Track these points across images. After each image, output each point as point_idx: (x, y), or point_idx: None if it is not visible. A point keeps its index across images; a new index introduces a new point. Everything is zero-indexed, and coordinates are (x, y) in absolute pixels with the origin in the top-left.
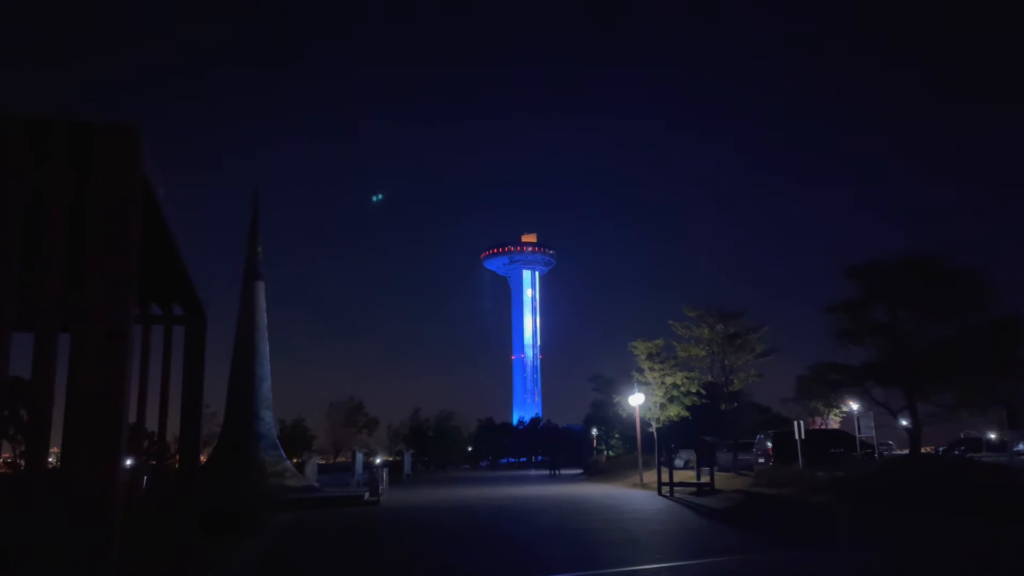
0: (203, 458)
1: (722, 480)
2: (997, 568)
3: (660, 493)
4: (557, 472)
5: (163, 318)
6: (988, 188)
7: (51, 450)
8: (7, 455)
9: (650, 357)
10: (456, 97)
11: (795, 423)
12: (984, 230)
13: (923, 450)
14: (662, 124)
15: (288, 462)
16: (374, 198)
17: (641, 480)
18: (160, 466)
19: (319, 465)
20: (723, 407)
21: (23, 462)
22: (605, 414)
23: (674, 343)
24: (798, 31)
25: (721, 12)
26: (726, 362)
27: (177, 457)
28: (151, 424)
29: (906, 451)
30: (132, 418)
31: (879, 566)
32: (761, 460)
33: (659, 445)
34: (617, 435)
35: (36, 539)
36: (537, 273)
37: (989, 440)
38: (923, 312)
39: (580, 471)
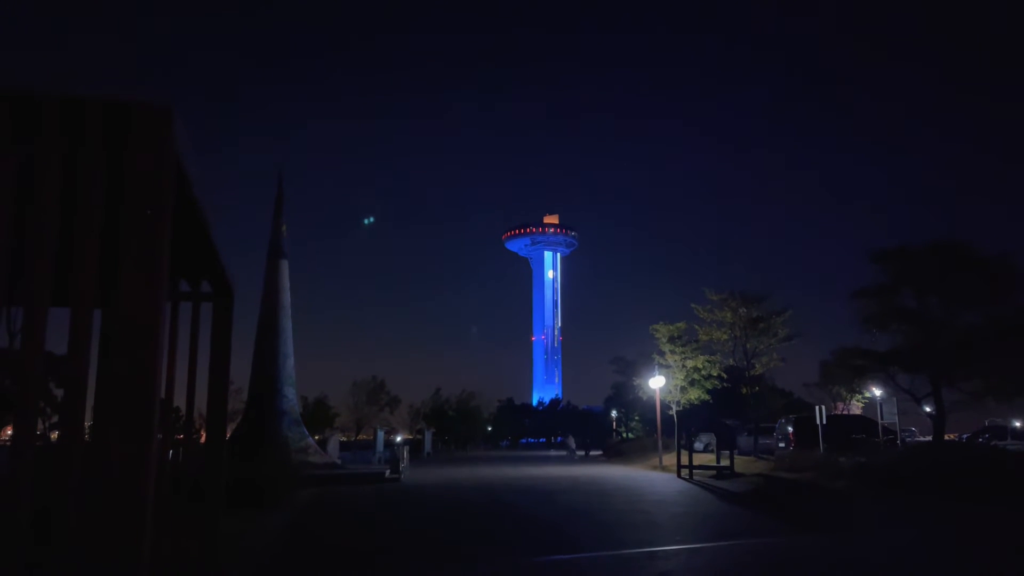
0: (227, 434)
1: (742, 464)
2: (1010, 557)
3: (679, 476)
4: (588, 453)
5: (192, 295)
6: (1017, 173)
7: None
8: (38, 428)
9: (671, 340)
10: (480, 87)
11: (817, 408)
12: (1014, 216)
13: (947, 437)
14: (684, 110)
15: (311, 439)
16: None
17: (660, 462)
18: (187, 441)
19: (341, 442)
20: (744, 391)
21: (53, 435)
22: (625, 396)
23: (696, 326)
24: (817, 23)
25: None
26: (748, 346)
27: (203, 433)
28: (178, 399)
29: (929, 438)
30: (161, 394)
31: (897, 554)
32: (782, 444)
33: (679, 428)
34: (637, 417)
35: (72, 508)
36: (558, 254)
37: (1014, 428)
38: (952, 298)
39: (600, 452)
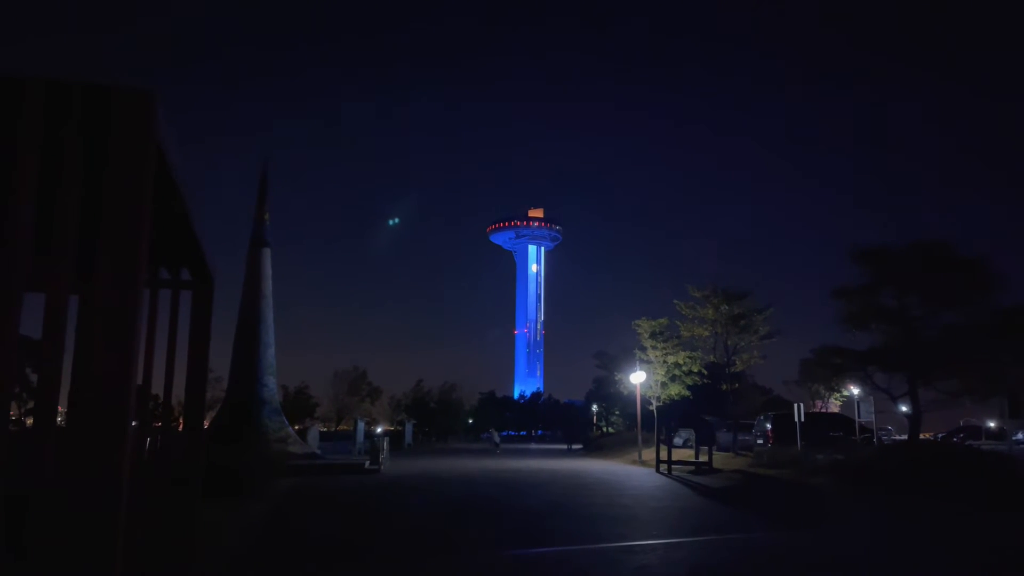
0: (206, 423)
1: (721, 460)
2: (981, 553)
3: (658, 471)
4: (572, 447)
5: (171, 282)
6: (1000, 176)
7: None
8: (13, 413)
9: (653, 336)
10: (470, 82)
11: (795, 405)
12: (995, 218)
13: (922, 436)
14: (669, 108)
15: (291, 428)
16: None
17: (640, 457)
18: (164, 430)
19: (321, 433)
20: (724, 387)
21: (28, 420)
22: (607, 391)
23: (678, 322)
24: (803, 20)
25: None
26: (729, 343)
27: (181, 421)
28: (157, 388)
29: (905, 437)
30: (138, 381)
31: (867, 548)
32: (760, 441)
33: (659, 423)
34: (617, 412)
35: (47, 495)
36: (543, 248)
37: (988, 428)
38: (931, 298)
39: (580, 446)
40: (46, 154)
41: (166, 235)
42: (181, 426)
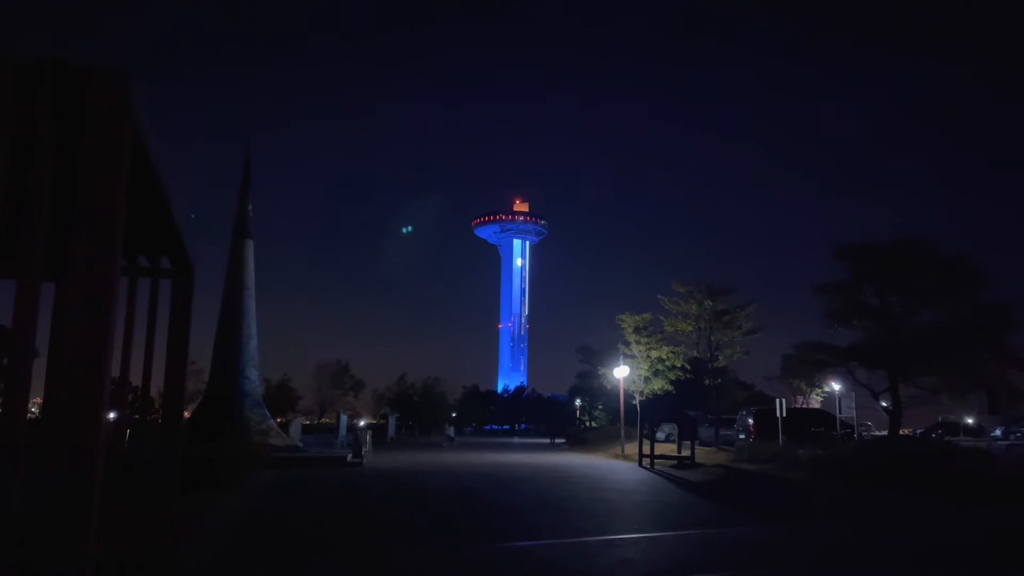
0: (187, 414)
1: (703, 454)
2: (953, 548)
3: (641, 465)
4: (555, 441)
5: (150, 271)
6: (983, 175)
7: (33, 400)
8: None
9: (637, 331)
10: (458, 78)
11: (777, 401)
12: (978, 216)
13: (902, 432)
14: (655, 104)
15: (272, 421)
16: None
17: (623, 451)
18: (143, 420)
19: (303, 426)
20: (707, 383)
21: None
22: (590, 385)
23: (662, 318)
24: (795, 20)
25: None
26: (712, 338)
27: (160, 412)
28: (135, 378)
29: (885, 432)
30: (116, 371)
31: (844, 544)
32: (742, 436)
33: (642, 418)
34: (601, 406)
35: (16, 488)
36: (528, 243)
37: (967, 425)
38: (912, 295)
39: (563, 440)
40: (17, 136)
41: (144, 221)
42: (160, 418)
